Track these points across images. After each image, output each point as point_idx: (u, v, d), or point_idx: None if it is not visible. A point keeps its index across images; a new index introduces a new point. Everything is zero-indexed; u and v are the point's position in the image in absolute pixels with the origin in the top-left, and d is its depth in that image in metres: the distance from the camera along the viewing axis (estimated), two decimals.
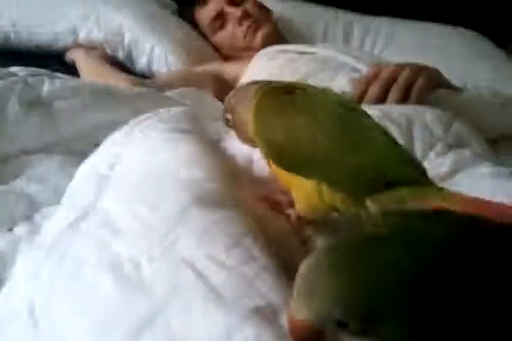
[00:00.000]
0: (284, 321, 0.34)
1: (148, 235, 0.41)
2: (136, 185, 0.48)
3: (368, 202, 0.47)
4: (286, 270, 0.40)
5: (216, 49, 1.49)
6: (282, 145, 0.51)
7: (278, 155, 0.51)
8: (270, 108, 0.52)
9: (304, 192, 0.50)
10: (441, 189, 0.49)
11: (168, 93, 1.09)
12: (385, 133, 0.54)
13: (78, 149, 0.79)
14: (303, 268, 0.32)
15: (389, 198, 0.46)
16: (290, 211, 0.52)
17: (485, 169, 0.81)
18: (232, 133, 0.65)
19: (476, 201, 0.47)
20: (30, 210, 0.70)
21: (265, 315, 0.34)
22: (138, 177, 0.49)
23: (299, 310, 0.31)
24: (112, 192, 0.48)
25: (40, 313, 0.38)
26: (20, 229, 0.64)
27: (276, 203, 0.54)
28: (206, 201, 0.44)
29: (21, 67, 0.92)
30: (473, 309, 0.30)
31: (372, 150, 0.50)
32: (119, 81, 1.20)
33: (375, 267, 0.30)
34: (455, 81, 1.25)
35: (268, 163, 0.52)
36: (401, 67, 1.02)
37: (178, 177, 0.48)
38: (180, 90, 1.14)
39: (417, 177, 0.49)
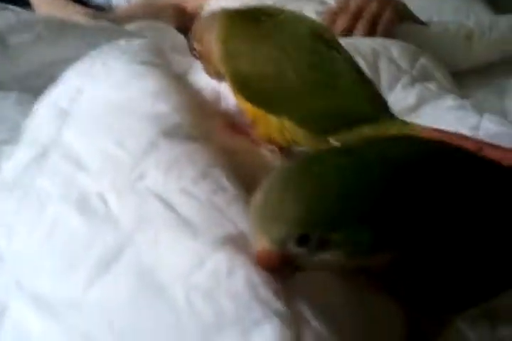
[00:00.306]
0: (250, 251, 0.34)
1: (114, 169, 0.40)
2: (99, 119, 0.46)
3: (331, 140, 0.47)
4: None
5: None
6: (248, 77, 0.49)
7: (243, 86, 0.50)
8: (238, 37, 0.51)
9: (267, 127, 0.50)
10: (405, 123, 0.50)
11: (128, 27, 1.04)
12: (354, 66, 0.53)
13: (35, 85, 0.75)
14: (254, 198, 0.32)
15: (351, 136, 0.47)
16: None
17: (449, 102, 0.82)
18: (199, 66, 0.63)
19: (438, 133, 0.48)
20: None
21: (238, 242, 0.34)
22: (101, 111, 0.47)
23: (257, 240, 0.31)
24: (74, 126, 0.46)
25: (5, 249, 0.38)
26: None
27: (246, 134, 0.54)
28: (174, 134, 0.43)
29: None
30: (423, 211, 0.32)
31: (339, 89, 0.49)
32: (75, 14, 1.14)
33: (326, 178, 0.30)
34: (421, 13, 1.23)
35: (234, 94, 0.51)
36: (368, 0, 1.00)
37: (145, 111, 0.46)
38: (140, 23, 1.09)
39: (381, 114, 0.49)
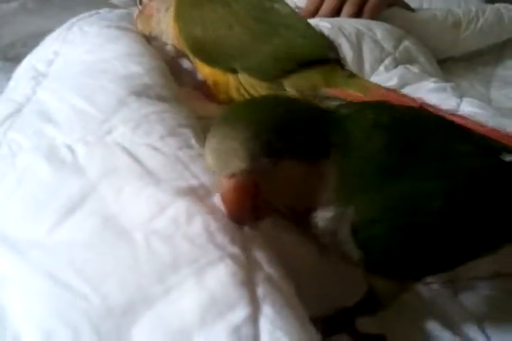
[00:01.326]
0: (211, 200, 0.35)
1: (84, 124, 0.41)
2: (72, 79, 0.47)
3: (286, 86, 0.49)
4: None
5: None
6: (201, 40, 0.52)
7: (198, 49, 0.53)
8: (189, 5, 0.54)
9: (226, 88, 0.52)
10: (353, 75, 0.52)
11: (115, 1, 1.04)
12: (301, 20, 0.56)
13: (20, 55, 0.75)
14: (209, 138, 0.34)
15: (303, 81, 0.49)
16: None
17: (431, 84, 0.83)
18: None
19: (386, 92, 0.50)
20: None
21: (198, 193, 0.36)
22: (75, 71, 0.48)
23: (224, 167, 0.32)
24: (48, 85, 0.47)
25: None
26: None
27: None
28: (145, 94, 0.44)
29: None
30: None
31: (287, 35, 0.52)
32: None
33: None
34: (410, 2, 1.24)
35: (193, 60, 0.53)
36: None
37: (117, 72, 0.47)
38: None
39: (328, 56, 0.52)
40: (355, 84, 0.50)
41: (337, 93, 0.50)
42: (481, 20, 1.13)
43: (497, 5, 1.18)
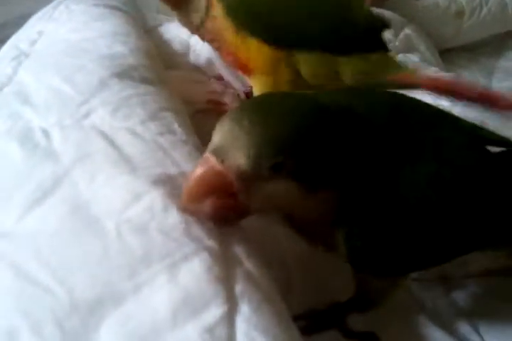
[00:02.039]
0: None
1: (61, 106, 0.39)
2: (54, 58, 0.45)
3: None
4: None
5: None
6: (255, 14, 0.49)
7: (249, 23, 0.49)
8: None
9: (275, 64, 0.49)
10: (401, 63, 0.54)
11: None
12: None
13: (10, 36, 0.73)
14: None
15: (361, 65, 0.50)
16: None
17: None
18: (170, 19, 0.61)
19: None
20: None
21: (178, 182, 0.33)
22: (58, 50, 0.46)
23: (222, 154, 0.30)
24: (29, 66, 0.45)
25: None
26: None
27: (219, 103, 0.53)
28: (129, 75, 0.42)
29: None
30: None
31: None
32: None
33: (287, 115, 0.31)
34: None
35: (233, 38, 0.49)
36: None
37: (101, 52, 0.45)
38: None
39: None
40: (408, 70, 0.52)
41: (399, 78, 0.51)
42: (485, 10, 1.11)
43: None
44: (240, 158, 0.29)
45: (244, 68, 0.49)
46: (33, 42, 0.50)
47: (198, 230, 0.31)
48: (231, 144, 0.30)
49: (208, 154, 0.30)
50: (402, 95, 0.40)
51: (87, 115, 0.38)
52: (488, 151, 0.39)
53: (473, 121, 0.42)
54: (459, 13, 1.09)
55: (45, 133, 0.37)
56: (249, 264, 0.30)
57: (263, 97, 0.34)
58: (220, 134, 0.31)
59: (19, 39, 0.53)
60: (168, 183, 0.33)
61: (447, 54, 1.12)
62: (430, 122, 0.37)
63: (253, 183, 0.30)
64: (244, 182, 0.30)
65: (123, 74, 0.41)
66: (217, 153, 0.30)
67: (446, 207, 0.34)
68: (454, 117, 0.41)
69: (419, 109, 0.39)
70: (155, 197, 0.32)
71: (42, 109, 0.39)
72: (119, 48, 0.45)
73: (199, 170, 0.30)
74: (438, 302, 0.47)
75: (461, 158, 0.36)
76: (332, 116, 0.32)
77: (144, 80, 0.42)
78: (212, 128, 0.32)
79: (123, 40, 0.46)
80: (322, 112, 0.32)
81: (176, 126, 0.39)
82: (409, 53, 0.85)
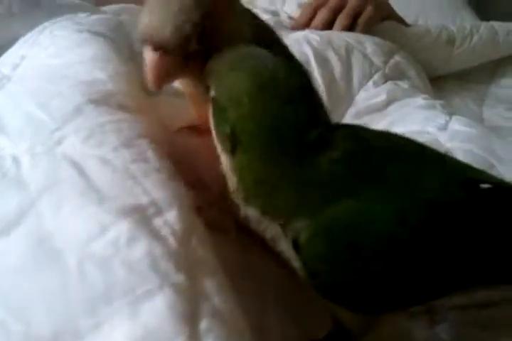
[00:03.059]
0: (160, 221, 0.32)
1: (34, 133, 0.38)
2: (32, 84, 0.44)
3: None
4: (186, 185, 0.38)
5: None
6: None
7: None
8: None
9: None
10: None
11: (105, 8, 1.02)
12: None
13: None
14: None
15: None
16: None
17: (420, 101, 0.81)
18: None
19: None
20: None
21: (147, 212, 0.33)
22: (37, 76, 0.45)
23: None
24: (8, 90, 0.45)
25: None
26: None
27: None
28: (105, 102, 0.41)
29: None
30: None
31: None
32: None
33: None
34: (406, 16, 1.22)
35: None
36: None
37: (79, 78, 0.44)
38: (119, 6, 1.06)
39: None
40: None
41: None
42: (475, 38, 1.12)
43: (491, 22, 1.17)
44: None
45: None
46: (16, 67, 0.49)
47: (165, 264, 0.29)
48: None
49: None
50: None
51: (59, 142, 0.37)
52: (474, 192, 0.37)
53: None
54: (450, 41, 1.10)
55: (16, 161, 0.36)
56: (217, 299, 0.29)
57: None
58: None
59: (3, 63, 0.53)
60: (136, 213, 0.32)
61: (438, 80, 1.13)
62: (406, 156, 0.36)
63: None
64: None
65: (99, 101, 0.41)
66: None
67: (418, 244, 0.33)
68: (441, 155, 0.40)
69: (397, 144, 0.38)
70: (121, 230, 0.31)
71: (15, 135, 0.38)
72: (98, 74, 0.44)
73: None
74: (423, 335, 0.46)
75: (439, 194, 0.35)
76: None
77: (122, 107, 0.41)
78: None
79: (103, 66, 0.45)
80: None
81: (149, 153, 0.38)
82: (399, 80, 0.85)
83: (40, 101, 0.40)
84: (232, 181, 0.35)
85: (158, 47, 0.37)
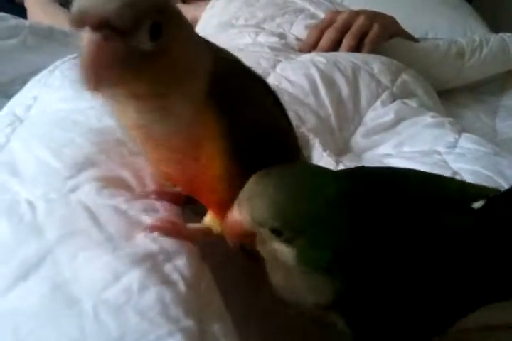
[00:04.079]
0: (170, 267, 0.34)
1: (48, 179, 0.40)
2: (45, 129, 0.46)
3: None
4: None
5: None
6: None
7: None
8: None
9: None
10: None
11: None
12: None
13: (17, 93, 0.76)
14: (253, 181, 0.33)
15: None
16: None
17: (428, 119, 0.81)
18: None
19: None
20: None
21: (157, 259, 0.34)
22: (49, 121, 0.48)
23: (243, 213, 0.33)
24: (22, 134, 0.47)
25: None
26: None
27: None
28: (115, 151, 0.43)
29: None
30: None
31: None
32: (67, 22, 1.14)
33: (308, 190, 0.33)
34: (416, 29, 1.23)
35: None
36: (356, 13, 1.00)
37: (90, 125, 0.46)
38: None
39: None
40: None
41: None
42: (485, 50, 1.12)
43: (501, 34, 1.17)
44: (247, 215, 0.33)
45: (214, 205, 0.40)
46: (28, 108, 0.52)
47: (175, 310, 0.31)
48: (244, 200, 0.33)
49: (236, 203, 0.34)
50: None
51: (72, 190, 0.39)
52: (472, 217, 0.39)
53: None
54: (460, 54, 1.10)
55: (31, 205, 0.38)
56: None
57: (294, 169, 0.35)
58: (244, 192, 0.34)
59: (17, 103, 0.55)
60: (147, 262, 0.34)
61: (449, 94, 1.13)
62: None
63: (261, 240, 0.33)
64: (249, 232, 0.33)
65: (110, 150, 0.43)
66: (240, 202, 0.33)
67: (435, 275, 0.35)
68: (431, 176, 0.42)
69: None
70: (133, 277, 0.32)
71: (29, 181, 0.40)
72: (109, 121, 0.46)
73: (229, 216, 0.34)
74: None
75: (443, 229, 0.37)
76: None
77: (133, 154, 0.43)
78: None
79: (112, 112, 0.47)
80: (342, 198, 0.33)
81: (158, 204, 0.40)
82: (407, 99, 0.86)
83: (53, 148, 0.43)
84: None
85: (101, 24, 0.29)
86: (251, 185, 0.33)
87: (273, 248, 0.33)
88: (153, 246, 0.35)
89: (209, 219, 0.41)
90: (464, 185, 0.44)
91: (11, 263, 0.34)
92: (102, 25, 0.29)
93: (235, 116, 0.36)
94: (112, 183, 0.40)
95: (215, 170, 0.36)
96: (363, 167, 0.45)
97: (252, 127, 0.37)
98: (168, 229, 0.37)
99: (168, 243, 0.36)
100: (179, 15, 0.33)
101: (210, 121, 0.35)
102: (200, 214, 0.43)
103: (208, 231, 0.41)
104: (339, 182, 0.33)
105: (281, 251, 0.33)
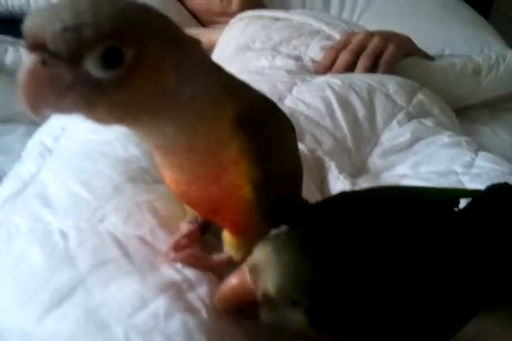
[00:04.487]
0: (193, 296, 0.36)
1: (78, 210, 0.43)
2: (74, 161, 0.49)
3: None
4: None
5: (192, 14, 1.47)
6: None
7: None
8: None
9: None
10: None
11: None
12: None
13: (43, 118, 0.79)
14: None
15: None
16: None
17: (445, 138, 0.82)
18: None
19: None
20: None
21: (181, 288, 0.37)
22: (77, 152, 0.51)
23: (263, 282, 0.33)
24: (52, 165, 0.50)
25: None
26: None
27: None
28: (141, 178, 0.46)
29: None
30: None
31: None
32: None
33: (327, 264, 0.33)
34: (433, 46, 1.24)
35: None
36: (371, 35, 1.01)
37: (117, 155, 0.49)
38: None
39: None
40: None
41: None
42: (502, 67, 1.12)
43: None
44: (269, 286, 0.33)
45: (235, 225, 0.40)
46: (57, 139, 0.55)
47: (199, 335, 0.33)
48: (266, 269, 0.33)
49: (245, 267, 0.34)
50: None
51: (101, 220, 0.42)
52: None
53: None
54: (476, 72, 1.11)
55: (63, 235, 0.41)
56: None
57: (312, 233, 0.36)
58: (260, 254, 0.34)
59: (46, 133, 0.58)
60: (172, 290, 0.36)
61: (467, 111, 1.13)
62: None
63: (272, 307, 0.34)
64: (266, 304, 0.33)
65: (136, 178, 0.45)
66: (253, 270, 0.34)
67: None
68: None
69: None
70: (160, 305, 0.35)
71: (61, 211, 0.43)
72: (134, 151, 0.49)
73: (233, 280, 0.34)
74: None
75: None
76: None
77: (157, 181, 0.46)
78: None
79: (137, 142, 0.50)
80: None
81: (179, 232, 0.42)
82: (423, 118, 0.87)
83: (82, 179, 0.45)
84: None
85: (36, 46, 0.26)
86: (265, 252, 0.34)
87: (284, 315, 0.34)
88: (177, 276, 0.38)
89: (227, 245, 0.42)
90: (442, 190, 0.46)
91: (45, 291, 0.37)
92: (38, 48, 0.26)
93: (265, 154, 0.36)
94: (137, 210, 0.42)
95: (240, 197, 0.36)
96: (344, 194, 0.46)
97: (279, 163, 0.38)
98: (190, 262, 0.39)
99: (191, 273, 0.38)
100: (167, 39, 0.30)
101: (237, 153, 0.34)
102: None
103: (228, 262, 0.41)
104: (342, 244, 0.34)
105: (294, 317, 0.34)
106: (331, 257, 0.33)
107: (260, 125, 0.36)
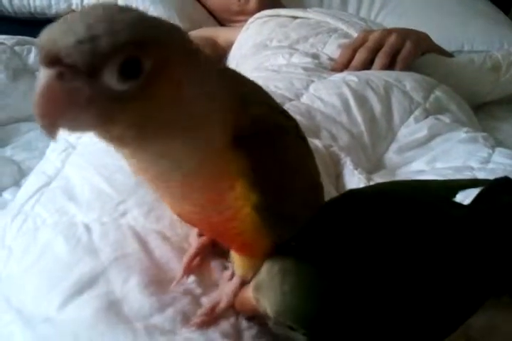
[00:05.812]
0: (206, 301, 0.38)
1: (102, 204, 0.45)
2: (96, 156, 0.51)
3: None
4: None
5: (211, 13, 1.48)
6: None
7: None
8: None
9: None
10: None
11: None
12: None
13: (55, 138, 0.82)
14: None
15: None
16: None
17: (462, 134, 0.82)
18: None
19: None
20: (19, 176, 0.75)
21: (193, 293, 0.39)
22: (99, 149, 0.52)
23: (264, 302, 0.34)
24: (76, 161, 0.52)
25: (2, 270, 0.43)
26: (9, 194, 0.68)
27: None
28: None
29: (9, 36, 0.94)
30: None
31: None
32: None
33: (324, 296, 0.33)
34: (451, 42, 1.24)
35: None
36: (388, 32, 1.01)
37: None
38: None
39: None
40: None
41: None
42: None
43: None
44: (267, 308, 0.34)
45: (241, 247, 0.38)
46: (80, 136, 0.56)
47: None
48: (267, 291, 0.34)
49: (251, 288, 0.35)
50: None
51: (123, 214, 0.43)
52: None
53: None
54: (496, 68, 1.10)
55: (87, 228, 0.42)
56: None
57: (310, 263, 0.35)
58: (265, 274, 0.35)
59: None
60: (187, 296, 0.38)
61: (486, 107, 1.12)
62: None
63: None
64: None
65: None
66: (256, 289, 0.35)
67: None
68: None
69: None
70: (177, 311, 0.37)
71: (84, 205, 0.45)
72: None
73: (242, 294, 0.37)
74: None
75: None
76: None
77: None
78: None
79: None
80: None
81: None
82: (440, 115, 0.87)
83: (105, 174, 0.47)
84: None
85: (52, 60, 0.25)
86: (270, 274, 0.34)
87: (287, 330, 0.35)
88: (192, 285, 0.40)
89: (236, 267, 0.41)
90: (445, 182, 0.47)
91: (67, 279, 0.39)
92: (54, 62, 0.25)
93: (264, 171, 0.33)
94: (158, 204, 0.44)
95: (241, 224, 0.34)
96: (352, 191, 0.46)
97: (281, 183, 0.35)
98: (207, 322, 0.38)
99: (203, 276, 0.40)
100: (182, 50, 0.29)
101: (235, 175, 0.32)
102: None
103: (241, 284, 0.40)
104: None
105: (295, 335, 0.36)
106: (334, 286, 0.33)
107: (258, 146, 0.33)
